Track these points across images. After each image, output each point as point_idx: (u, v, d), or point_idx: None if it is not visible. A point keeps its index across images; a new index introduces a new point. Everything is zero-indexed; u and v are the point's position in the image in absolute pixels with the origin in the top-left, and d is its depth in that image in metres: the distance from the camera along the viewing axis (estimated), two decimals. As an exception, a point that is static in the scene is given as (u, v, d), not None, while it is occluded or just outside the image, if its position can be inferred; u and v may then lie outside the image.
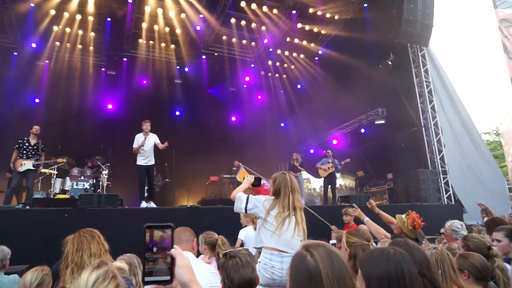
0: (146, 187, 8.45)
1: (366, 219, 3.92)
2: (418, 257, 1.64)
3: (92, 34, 13.11)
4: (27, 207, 6.84)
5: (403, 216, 3.80)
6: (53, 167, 9.90)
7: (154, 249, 1.03)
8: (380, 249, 1.34)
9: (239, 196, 3.24)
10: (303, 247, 1.23)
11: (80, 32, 12.90)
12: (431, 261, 1.77)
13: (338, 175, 18.20)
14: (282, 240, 2.92)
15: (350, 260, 2.27)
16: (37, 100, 13.38)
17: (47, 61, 13.35)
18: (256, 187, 3.45)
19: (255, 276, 1.93)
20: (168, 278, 1.03)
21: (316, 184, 19.65)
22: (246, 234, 5.06)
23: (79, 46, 13.37)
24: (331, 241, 2.61)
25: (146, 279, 1.03)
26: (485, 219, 8.34)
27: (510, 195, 18.57)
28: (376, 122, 12.69)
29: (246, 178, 3.46)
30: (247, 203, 3.19)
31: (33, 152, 7.36)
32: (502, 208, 10.73)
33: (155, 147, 8.14)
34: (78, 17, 12.26)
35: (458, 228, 3.79)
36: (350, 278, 1.14)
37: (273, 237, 2.94)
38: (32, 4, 11.44)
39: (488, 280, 2.30)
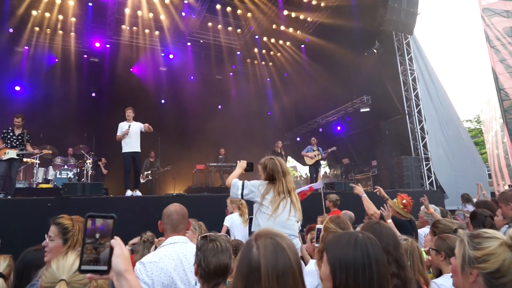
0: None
1: (364, 195, 4.12)
2: (387, 236, 1.69)
3: (73, 19, 12.71)
4: (9, 197, 6.72)
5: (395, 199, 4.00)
6: (36, 156, 9.71)
7: (95, 238, 1.05)
8: (349, 233, 1.32)
9: (235, 183, 3.29)
10: (254, 235, 1.17)
11: (61, 17, 12.48)
12: (401, 244, 1.83)
13: (324, 162, 18.49)
14: (278, 222, 3.03)
15: (321, 243, 2.31)
16: (17, 88, 12.99)
17: (26, 47, 12.92)
18: (249, 171, 3.50)
19: (230, 263, 1.91)
20: (105, 268, 1.04)
21: (302, 171, 19.84)
22: (231, 221, 5.11)
23: (60, 32, 12.96)
24: (318, 226, 2.65)
25: (83, 267, 1.03)
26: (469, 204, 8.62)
27: (489, 181, 19.14)
28: (361, 110, 12.81)
29: (238, 164, 3.50)
30: (243, 188, 3.25)
31: (17, 142, 7.22)
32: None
33: (143, 133, 8.03)
34: (58, 1, 11.85)
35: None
36: (293, 277, 1.08)
37: (270, 220, 3.05)
38: (9, -12, 11.03)
39: None
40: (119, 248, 1.06)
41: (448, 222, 3.05)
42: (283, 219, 3.05)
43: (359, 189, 4.28)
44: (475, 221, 3.46)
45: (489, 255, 1.24)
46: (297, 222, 3.22)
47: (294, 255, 1.13)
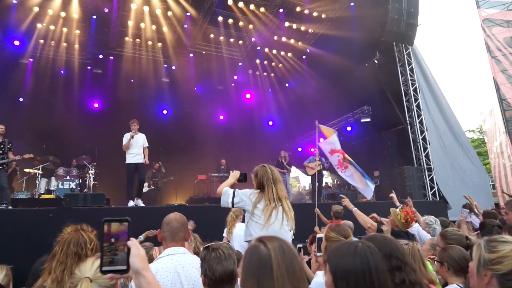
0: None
1: (354, 209, 4.05)
2: (396, 251, 1.69)
3: (77, 31, 12.89)
4: (10, 207, 6.73)
5: (397, 209, 3.94)
6: (38, 167, 9.76)
7: (112, 240, 1.13)
8: (348, 243, 1.36)
9: (226, 191, 3.27)
10: (257, 239, 1.25)
11: (65, 29, 12.66)
12: (406, 253, 1.84)
13: (326, 173, 18.44)
14: (271, 231, 2.98)
15: (325, 253, 2.29)
16: (21, 99, 13.12)
17: (31, 59, 13.08)
18: (242, 182, 3.48)
19: (236, 269, 1.94)
20: (124, 267, 1.12)
21: (305, 182, 19.77)
22: (230, 231, 5.13)
23: (64, 44, 13.13)
24: (318, 235, 2.64)
25: (104, 268, 1.11)
26: (472, 215, 8.55)
27: (493, 192, 19.03)
28: (362, 120, 12.84)
29: (232, 174, 3.50)
30: (233, 197, 3.22)
31: None
32: (486, 204, 10.96)
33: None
34: (63, 14, 12.03)
35: (431, 222, 4.07)
36: (299, 267, 1.17)
37: (263, 230, 3.00)
38: (14, 1, 11.21)
39: (467, 272, 2.36)
40: (136, 248, 1.14)
41: (456, 231, 3.04)
42: (276, 228, 3.01)
43: (347, 202, 4.26)
44: (484, 230, 3.49)
45: (503, 257, 1.33)
46: (290, 231, 3.17)
47: (295, 249, 1.24)
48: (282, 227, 3.03)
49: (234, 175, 3.47)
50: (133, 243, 1.15)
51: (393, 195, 5.01)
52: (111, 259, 1.11)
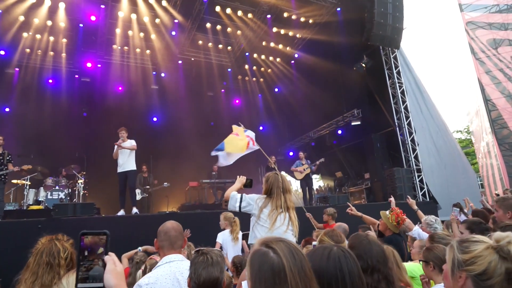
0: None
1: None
2: (376, 253, 1.73)
3: (64, 40, 12.80)
4: (-1, 220, 6.61)
5: (387, 212, 3.98)
6: (26, 177, 9.60)
7: (88, 255, 1.07)
8: (324, 246, 1.37)
9: (233, 195, 3.33)
10: (262, 243, 1.20)
11: (52, 38, 12.56)
12: (389, 258, 1.87)
13: (318, 176, 18.50)
14: (276, 235, 2.99)
15: None
16: (7, 109, 12.93)
17: (17, 69, 12.93)
18: (247, 187, 3.54)
19: (222, 277, 1.92)
20: (101, 285, 1.05)
21: (296, 187, 19.75)
22: (223, 237, 5.13)
23: (51, 53, 13.01)
24: (314, 243, 2.67)
25: (79, 285, 1.04)
26: (461, 214, 8.66)
27: (481, 191, 19.30)
28: (352, 123, 12.94)
29: (238, 179, 3.56)
30: (241, 201, 3.29)
31: None
32: (474, 204, 11.12)
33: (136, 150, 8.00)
34: (49, 23, 11.93)
35: (431, 222, 4.11)
36: (309, 269, 1.16)
37: (268, 233, 3.04)
38: (-1, 10, 11.08)
39: None
40: (111, 264, 1.08)
41: (446, 235, 3.06)
42: (281, 232, 3.06)
43: (355, 211, 4.85)
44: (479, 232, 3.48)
45: (476, 257, 1.31)
46: (294, 236, 3.22)
47: (301, 249, 1.22)
48: (287, 231, 3.09)
49: (241, 180, 3.53)
50: (110, 258, 1.10)
51: (411, 201, 5.27)
52: (87, 275, 1.05)
